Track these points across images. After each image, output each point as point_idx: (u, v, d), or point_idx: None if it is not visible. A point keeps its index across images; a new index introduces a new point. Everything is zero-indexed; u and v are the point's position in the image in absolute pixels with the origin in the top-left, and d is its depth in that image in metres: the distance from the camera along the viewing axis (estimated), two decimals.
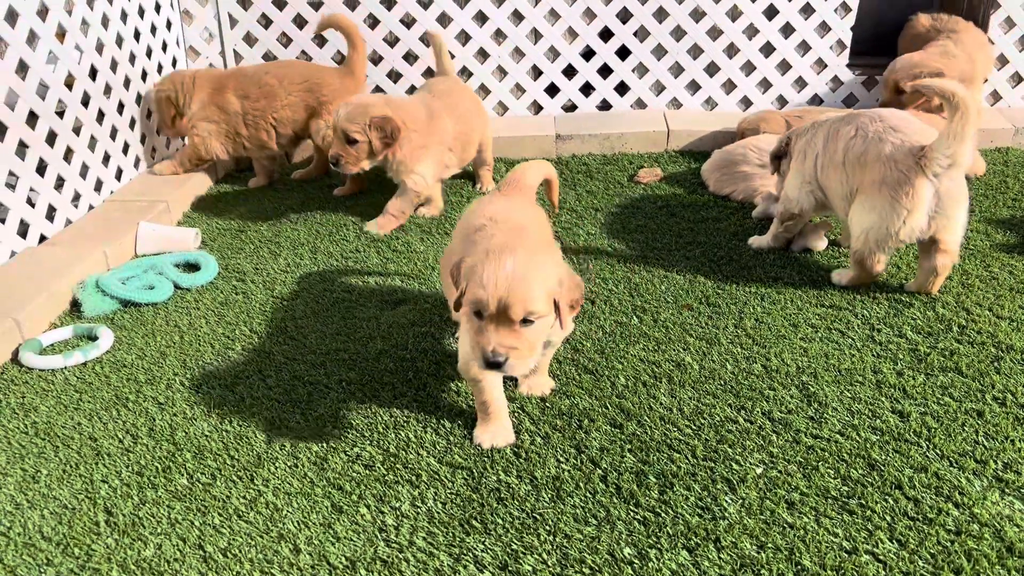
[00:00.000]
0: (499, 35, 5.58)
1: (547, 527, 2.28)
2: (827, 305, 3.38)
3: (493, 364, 2.20)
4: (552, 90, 5.76)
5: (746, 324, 3.27)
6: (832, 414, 2.69)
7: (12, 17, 3.88)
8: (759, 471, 2.45)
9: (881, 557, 2.11)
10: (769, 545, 2.17)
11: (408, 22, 5.53)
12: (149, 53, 5.09)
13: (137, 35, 4.94)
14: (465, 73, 5.69)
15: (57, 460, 2.66)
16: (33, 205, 4.04)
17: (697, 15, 5.49)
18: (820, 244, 3.85)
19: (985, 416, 2.65)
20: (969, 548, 2.13)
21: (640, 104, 5.78)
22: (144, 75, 5.01)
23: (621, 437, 2.63)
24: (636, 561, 2.15)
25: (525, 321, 2.21)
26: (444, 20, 5.51)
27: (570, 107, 5.81)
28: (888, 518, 2.24)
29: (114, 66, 4.68)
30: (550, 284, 2.25)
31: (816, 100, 5.72)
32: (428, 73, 5.66)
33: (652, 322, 3.32)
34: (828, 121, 3.57)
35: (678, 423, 2.69)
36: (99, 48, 4.54)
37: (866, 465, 2.45)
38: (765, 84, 5.70)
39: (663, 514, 2.30)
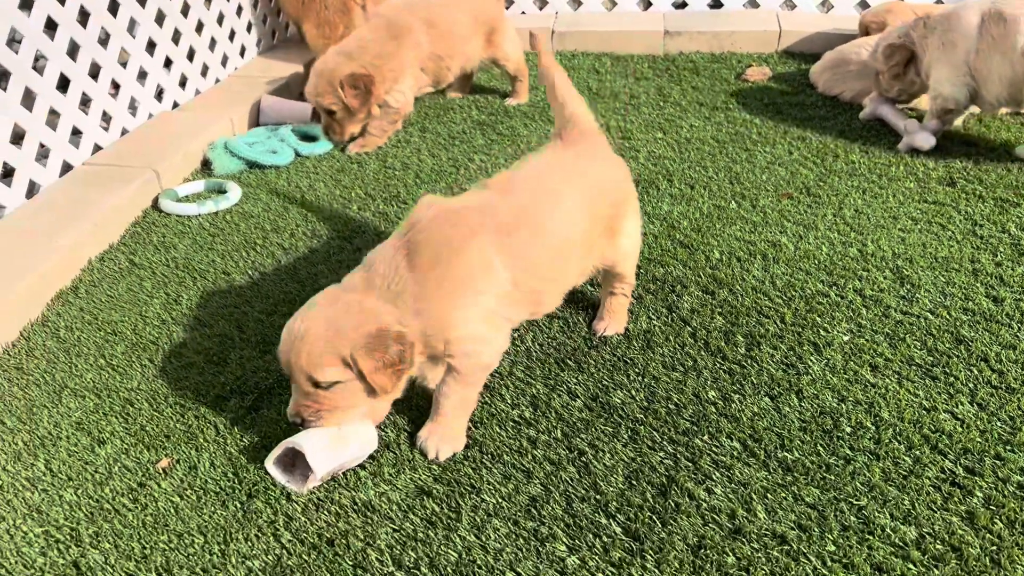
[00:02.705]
0: None
1: (636, 369, 2.44)
2: (930, 201, 3.37)
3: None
4: None
5: (845, 214, 3.30)
6: (924, 295, 2.74)
7: None
8: (846, 338, 2.54)
9: (959, 416, 2.20)
10: (850, 399, 2.28)
11: None
12: None
13: None
14: None
15: (196, 289, 2.96)
16: (168, 72, 4.32)
17: None
18: (928, 143, 3.78)
19: None
20: None
21: (753, 3, 5.66)
22: None
23: (712, 302, 2.75)
24: (720, 402, 2.29)
25: (320, 384, 1.98)
26: None
27: (680, 4, 5.74)
28: (970, 385, 2.31)
29: None
30: (339, 346, 1.94)
31: (938, 3, 5.47)
32: None
33: (750, 207, 3.38)
34: (970, 8, 3.51)
35: (769, 293, 2.78)
36: None
37: (954, 340, 2.51)
38: None
39: (748, 367, 2.43)
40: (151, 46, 4.21)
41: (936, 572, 1.77)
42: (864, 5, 5.53)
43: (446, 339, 2.07)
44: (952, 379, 2.34)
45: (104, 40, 3.87)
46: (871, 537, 1.86)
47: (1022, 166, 3.59)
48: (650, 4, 5.74)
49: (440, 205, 2.16)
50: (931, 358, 2.43)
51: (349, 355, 1.94)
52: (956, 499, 1.94)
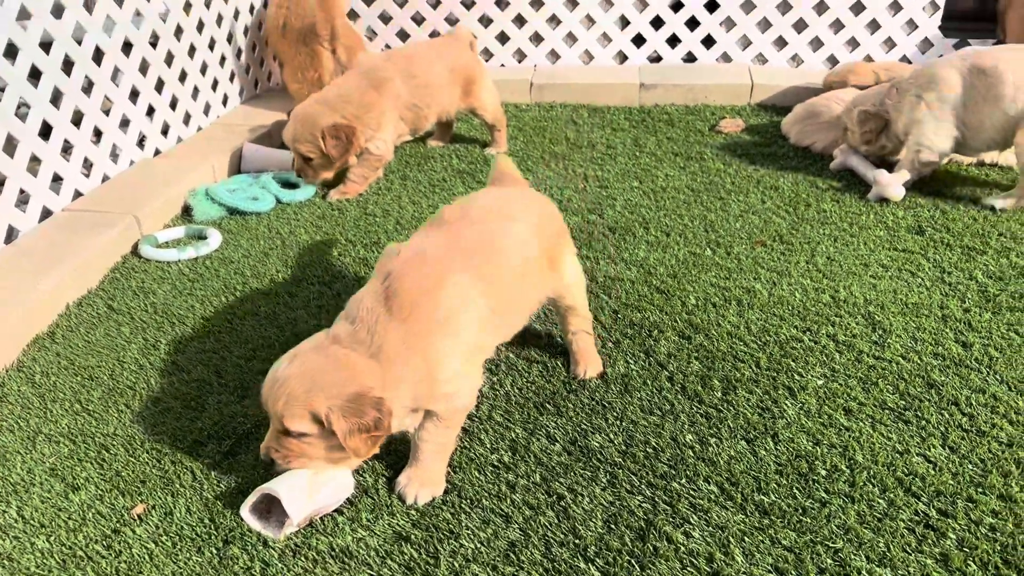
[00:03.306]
0: None
1: (615, 413, 2.46)
2: (900, 249, 3.45)
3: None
4: (639, 40, 5.86)
5: (817, 261, 3.37)
6: (895, 340, 2.79)
7: None
8: (820, 383, 2.57)
9: (932, 459, 2.23)
10: (824, 442, 2.31)
11: None
12: None
13: None
14: (554, 20, 5.83)
15: (174, 334, 2.96)
16: (151, 120, 4.36)
17: None
18: (898, 193, 3.88)
19: None
20: (1020, 457, 2.23)
21: (726, 58, 5.83)
22: (252, 8, 5.31)
23: (688, 347, 2.79)
24: (697, 446, 2.31)
25: (291, 432, 1.99)
26: None
27: (656, 58, 5.90)
28: (942, 428, 2.35)
29: None
30: (315, 401, 1.92)
31: (904, 61, 5.67)
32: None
33: (725, 254, 3.45)
34: (945, 66, 3.75)
35: (744, 338, 2.83)
36: None
37: (925, 384, 2.56)
38: (853, 43, 5.68)
39: (724, 411, 2.46)
40: (134, 95, 4.25)
41: None
42: (833, 60, 5.71)
43: (431, 381, 2.06)
44: (924, 423, 2.38)
45: (87, 88, 3.90)
46: None
47: (988, 215, 3.70)
48: (626, 58, 5.89)
49: (408, 249, 2.21)
50: (903, 402, 2.48)
51: (324, 413, 1.91)
52: (930, 541, 1.97)
